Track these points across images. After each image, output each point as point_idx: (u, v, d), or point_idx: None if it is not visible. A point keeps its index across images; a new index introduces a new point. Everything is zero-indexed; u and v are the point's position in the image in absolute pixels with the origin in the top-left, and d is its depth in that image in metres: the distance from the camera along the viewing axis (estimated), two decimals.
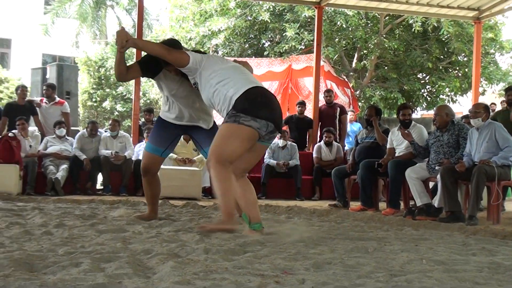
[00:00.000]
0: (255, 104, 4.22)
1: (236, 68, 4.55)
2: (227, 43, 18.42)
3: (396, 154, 7.79)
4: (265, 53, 17.93)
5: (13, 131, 9.57)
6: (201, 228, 4.28)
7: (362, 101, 19.10)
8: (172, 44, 4.66)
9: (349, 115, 12.77)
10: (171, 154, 8.75)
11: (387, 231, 5.06)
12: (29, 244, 3.43)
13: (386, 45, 17.68)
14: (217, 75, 4.38)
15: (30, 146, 9.65)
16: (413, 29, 17.03)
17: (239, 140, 4.18)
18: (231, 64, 4.59)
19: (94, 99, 22.49)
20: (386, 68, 19.26)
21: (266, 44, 18.57)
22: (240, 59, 4.72)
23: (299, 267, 2.88)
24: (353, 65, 19.30)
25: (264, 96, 4.34)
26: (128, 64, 4.93)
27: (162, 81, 4.95)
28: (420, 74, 19.91)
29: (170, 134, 5.13)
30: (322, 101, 12.26)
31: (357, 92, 18.56)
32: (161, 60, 4.64)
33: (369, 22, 18.31)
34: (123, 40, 4.47)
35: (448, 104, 18.82)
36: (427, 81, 19.70)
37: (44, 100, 10.87)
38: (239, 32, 18.25)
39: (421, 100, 19.93)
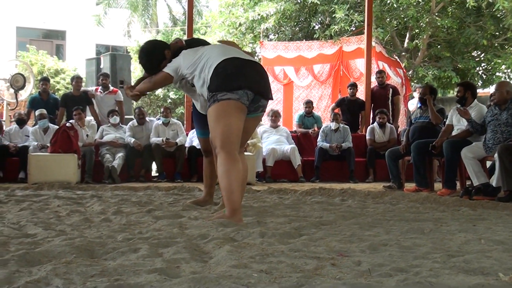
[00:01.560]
0: (226, 77, 4.04)
1: (213, 47, 4.46)
2: (277, 27, 18.35)
3: (453, 133, 7.64)
4: (315, 36, 17.79)
5: (71, 121, 9.79)
6: (208, 220, 4.05)
7: (415, 81, 18.79)
8: (190, 44, 4.69)
9: None
10: None
11: (443, 211, 5.00)
12: (89, 231, 3.51)
13: (439, 24, 17.31)
14: (197, 65, 4.27)
15: (87, 135, 9.85)
16: (466, 6, 16.61)
17: (227, 117, 3.99)
18: (206, 48, 4.43)
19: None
20: (439, 47, 18.86)
21: (316, 27, 18.42)
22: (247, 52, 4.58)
23: (355, 249, 2.88)
24: (405, 45, 18.97)
25: (235, 66, 4.10)
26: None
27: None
28: (475, 51, 19.43)
29: (206, 119, 5.16)
30: (374, 83, 12.14)
31: (410, 72, 18.26)
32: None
33: (420, 0, 17.95)
34: (129, 94, 4.70)
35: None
36: (482, 58, 19.22)
37: (99, 89, 11.07)
38: (289, 15, 18.14)
39: (476, 79, 19.46)
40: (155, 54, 4.56)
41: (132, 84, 4.99)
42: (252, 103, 4.15)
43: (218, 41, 4.89)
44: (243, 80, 4.04)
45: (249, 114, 4.21)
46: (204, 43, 4.80)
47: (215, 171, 5.11)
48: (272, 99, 4.50)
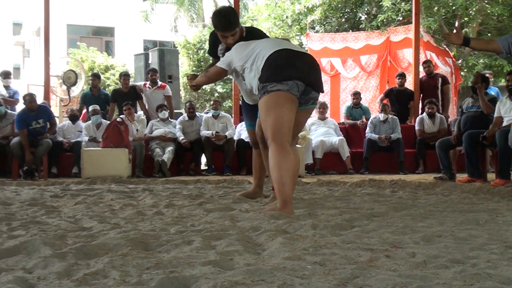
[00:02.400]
0: (276, 68, 4.02)
1: (264, 41, 4.44)
2: (323, 19, 18.25)
3: (504, 124, 7.48)
4: (361, 26, 17.63)
5: (121, 116, 9.94)
6: (259, 212, 3.99)
7: (465, 70, 18.46)
8: (250, 32, 4.83)
9: None
10: None
11: (498, 202, 4.90)
12: (142, 224, 3.56)
13: (489, 11, 16.96)
14: (248, 57, 4.29)
15: (137, 130, 9.99)
16: None
17: (278, 108, 3.96)
18: (258, 41, 4.45)
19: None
20: (489, 34, 18.48)
21: (363, 18, 18.25)
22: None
23: (408, 241, 2.85)
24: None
25: (285, 56, 4.08)
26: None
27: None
28: None
29: (255, 110, 5.06)
30: (422, 73, 11.98)
31: (459, 61, 17.95)
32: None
33: None
34: (190, 85, 5.01)
35: None
36: None
37: (148, 84, 11.20)
38: (335, 6, 18.02)
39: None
40: (235, 15, 4.74)
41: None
42: (303, 95, 4.11)
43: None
44: (293, 71, 4.01)
45: (300, 106, 4.16)
46: (261, 34, 4.89)
47: (264, 163, 5.15)
48: (323, 91, 4.47)
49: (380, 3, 16.68)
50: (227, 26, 4.64)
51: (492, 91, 12.21)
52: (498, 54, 5.68)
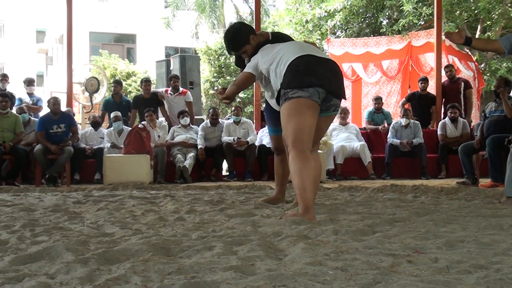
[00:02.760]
0: (297, 74, 4.04)
1: (289, 44, 4.44)
2: (344, 24, 18.22)
3: None
4: (382, 30, 17.57)
5: (143, 122, 9.99)
6: (280, 218, 3.97)
7: (488, 74, 18.30)
8: (276, 37, 4.82)
9: None
10: None
11: None
12: (164, 230, 3.57)
13: None
14: (273, 60, 4.31)
15: (159, 136, 10.03)
16: None
17: (299, 114, 3.98)
18: (283, 44, 4.46)
19: (215, 88, 23.00)
20: None
21: (384, 22, 18.18)
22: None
23: (431, 246, 2.83)
24: (476, 37, 18.50)
25: (307, 63, 4.09)
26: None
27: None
28: None
29: (278, 116, 5.08)
30: (444, 77, 11.90)
31: (482, 66, 17.80)
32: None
33: None
34: (221, 98, 4.84)
35: None
36: None
37: (169, 91, 11.25)
38: (356, 11, 17.98)
39: None
40: (240, 36, 4.74)
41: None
42: (324, 102, 4.11)
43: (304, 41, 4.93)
44: (314, 78, 4.01)
45: (321, 113, 4.17)
46: (287, 38, 4.89)
47: (287, 169, 5.09)
48: (345, 98, 4.48)
49: (401, 8, 16.61)
50: (232, 49, 4.83)
51: None
52: (500, 54, 5.62)
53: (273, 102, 5.01)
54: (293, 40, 4.88)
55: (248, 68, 4.55)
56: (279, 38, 4.82)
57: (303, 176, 3.86)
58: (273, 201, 5.26)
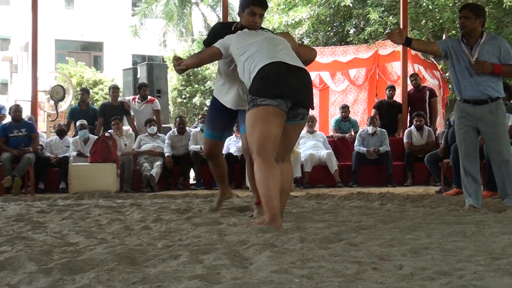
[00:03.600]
0: (267, 82, 3.99)
1: (264, 41, 4.30)
2: (311, 32, 18.33)
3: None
4: (349, 39, 17.73)
5: (109, 131, 9.92)
6: (246, 227, 3.93)
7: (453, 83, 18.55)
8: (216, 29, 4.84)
9: None
10: None
11: (485, 214, 4.91)
12: (129, 239, 3.55)
13: None
14: (245, 51, 4.23)
15: (125, 144, 9.97)
16: (503, 6, 16.34)
17: (265, 122, 3.94)
18: (261, 37, 4.34)
19: (183, 96, 22.93)
20: None
21: (351, 31, 18.34)
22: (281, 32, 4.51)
23: (396, 253, 2.85)
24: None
25: (278, 72, 4.01)
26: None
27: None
28: None
29: (224, 117, 5.00)
30: (410, 86, 12.04)
31: (447, 74, 18.02)
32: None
33: (456, 1, 17.74)
34: (176, 66, 4.67)
35: None
36: None
37: (137, 99, 11.19)
38: (323, 20, 18.11)
39: None
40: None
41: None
42: (291, 110, 4.08)
43: (276, 33, 4.75)
44: (284, 89, 3.98)
45: (289, 120, 4.14)
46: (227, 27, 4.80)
47: (223, 168, 5.33)
48: (313, 108, 4.45)
49: (368, 16, 16.78)
50: (264, 2, 4.65)
51: None
52: (437, 56, 5.72)
53: (227, 99, 4.87)
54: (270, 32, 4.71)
55: (219, 44, 4.43)
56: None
57: (269, 184, 3.84)
58: (222, 199, 5.49)
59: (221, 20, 11.64)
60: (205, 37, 5.00)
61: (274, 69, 4.03)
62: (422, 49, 5.76)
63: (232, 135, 10.13)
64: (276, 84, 3.98)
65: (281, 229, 3.75)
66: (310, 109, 4.32)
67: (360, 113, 14.44)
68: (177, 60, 4.71)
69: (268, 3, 4.59)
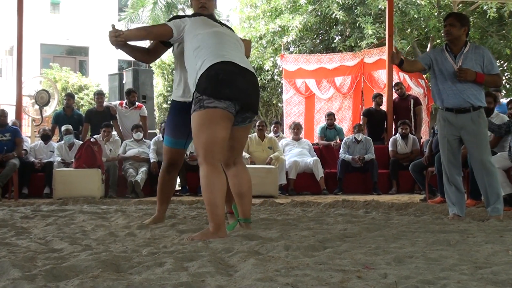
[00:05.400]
0: (216, 82, 3.83)
1: (215, 35, 4.14)
2: (298, 40, 18.38)
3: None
4: (334, 46, 17.80)
5: (95, 136, 9.88)
6: (190, 240, 3.72)
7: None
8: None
9: None
10: (244, 154, 8.84)
11: (469, 223, 4.94)
12: (114, 246, 3.53)
13: None
14: (196, 40, 4.07)
15: (110, 150, 9.93)
16: (488, 16, 16.49)
17: (212, 125, 3.80)
18: (213, 29, 4.19)
19: (169, 102, 22.85)
20: None
21: (337, 39, 18.42)
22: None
23: (380, 262, 2.86)
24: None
25: (228, 73, 3.87)
26: (148, 46, 4.80)
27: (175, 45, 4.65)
28: (498, 61, 19.27)
29: (187, 121, 4.32)
30: (395, 94, 12.11)
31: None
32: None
33: (441, 10, 17.88)
34: (113, 37, 4.24)
35: None
36: (505, 68, 19.06)
37: (124, 104, 11.16)
38: (309, 28, 18.17)
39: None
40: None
41: None
42: (239, 113, 3.98)
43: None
44: (233, 91, 3.86)
45: (238, 124, 4.06)
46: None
47: (174, 187, 5.06)
48: (257, 113, 4.34)
49: (357, 24, 16.84)
50: None
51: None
52: (423, 71, 5.79)
53: (180, 92, 4.69)
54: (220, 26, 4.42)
55: (172, 24, 4.23)
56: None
57: (215, 191, 3.76)
58: (157, 221, 4.91)
59: None
60: None
61: (224, 69, 3.88)
62: (410, 69, 5.82)
63: None
64: (225, 85, 3.84)
65: (225, 238, 3.66)
66: (255, 114, 4.22)
67: (346, 121, 14.49)
68: (115, 31, 4.25)
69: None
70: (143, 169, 9.81)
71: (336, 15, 16.79)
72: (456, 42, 5.45)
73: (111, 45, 4.33)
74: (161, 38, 4.40)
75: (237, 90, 3.88)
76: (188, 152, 10.05)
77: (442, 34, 17.29)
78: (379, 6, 16.41)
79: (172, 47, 4.70)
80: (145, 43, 5.07)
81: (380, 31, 16.41)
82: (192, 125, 3.93)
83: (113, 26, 4.31)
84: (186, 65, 4.19)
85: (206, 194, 3.80)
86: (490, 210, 5.39)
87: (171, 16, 4.49)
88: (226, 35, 4.23)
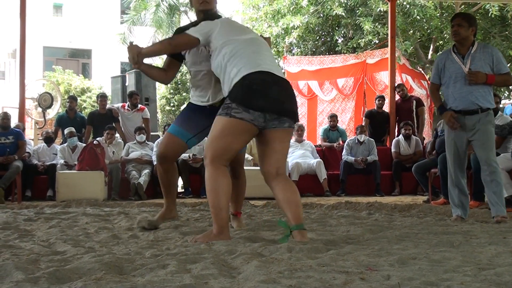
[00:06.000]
0: (249, 92, 3.69)
1: (252, 43, 3.99)
2: (300, 42, 18.39)
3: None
4: (337, 48, 17.80)
5: (98, 138, 9.89)
6: (194, 242, 3.70)
7: (440, 93, 18.65)
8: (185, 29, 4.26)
9: None
10: (247, 156, 8.83)
11: (472, 224, 4.94)
12: (117, 248, 3.53)
13: None
14: (230, 46, 3.90)
15: (113, 152, 9.94)
16: (490, 14, 16.45)
17: (231, 136, 3.72)
18: (248, 36, 4.04)
19: (172, 104, 22.91)
20: None
21: (339, 40, 18.43)
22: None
23: (383, 263, 2.86)
24: (429, 56, 18.89)
25: (262, 83, 3.73)
26: (162, 66, 4.58)
27: (188, 57, 4.40)
28: None
29: (201, 120, 4.44)
30: (398, 95, 12.11)
31: None
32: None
33: (444, 11, 17.88)
34: (135, 55, 4.07)
35: None
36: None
37: (126, 106, 11.17)
38: (312, 29, 18.18)
39: (502, 89, 19.27)
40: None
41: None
42: (275, 119, 3.76)
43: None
44: (266, 102, 3.71)
45: (275, 126, 3.79)
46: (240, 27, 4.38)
47: (174, 177, 4.83)
48: (298, 121, 4.16)
49: (359, 25, 16.85)
50: None
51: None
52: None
53: (198, 94, 4.47)
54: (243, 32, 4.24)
55: (195, 33, 3.99)
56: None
57: (220, 194, 3.70)
58: (166, 215, 4.83)
59: None
60: None
61: (259, 79, 3.75)
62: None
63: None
64: (258, 95, 3.70)
65: (229, 241, 3.60)
66: (295, 121, 3.99)
67: (348, 123, 14.49)
68: (135, 49, 4.07)
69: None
70: (146, 171, 9.82)
71: (336, 12, 16.78)
72: (464, 43, 5.41)
73: (129, 63, 4.17)
74: (186, 48, 4.23)
75: (270, 100, 3.72)
76: (191, 154, 10.05)
77: (445, 36, 17.32)
78: (379, 8, 16.41)
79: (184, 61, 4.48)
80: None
81: (379, 30, 16.42)
82: (213, 126, 3.82)
83: (131, 43, 4.15)
84: (215, 69, 4.01)
85: (210, 196, 3.74)
86: (494, 210, 5.34)
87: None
88: (261, 43, 4.10)
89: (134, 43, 4.14)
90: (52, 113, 13.28)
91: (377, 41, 17.23)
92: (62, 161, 9.67)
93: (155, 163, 9.80)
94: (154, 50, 4.28)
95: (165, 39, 4.24)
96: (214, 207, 3.73)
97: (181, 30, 4.35)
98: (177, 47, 4.15)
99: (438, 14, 17.33)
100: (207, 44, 4.05)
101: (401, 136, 10.78)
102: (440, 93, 5.77)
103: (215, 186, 3.72)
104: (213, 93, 4.38)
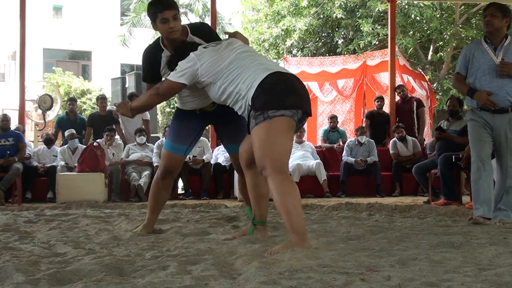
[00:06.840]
0: (276, 93, 3.49)
1: (241, 58, 3.77)
2: (300, 43, 18.41)
3: None
4: (338, 50, 17.81)
5: (98, 140, 9.90)
6: (269, 253, 3.25)
7: (440, 94, 18.68)
8: (198, 29, 4.22)
9: None
10: None
11: (472, 224, 4.93)
12: (117, 249, 3.53)
13: (463, 35, 17.23)
14: (222, 77, 3.71)
15: (113, 154, 9.94)
16: None
17: (280, 135, 3.45)
18: (232, 55, 3.78)
19: (172, 105, 22.89)
20: None
21: (340, 42, 18.44)
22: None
23: (384, 264, 2.85)
24: (429, 57, 18.91)
25: (284, 81, 3.57)
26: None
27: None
28: None
29: (191, 129, 4.37)
30: (398, 96, 12.11)
31: (434, 85, 18.16)
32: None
33: (443, 12, 17.90)
34: (127, 112, 4.12)
35: None
36: None
37: None
38: (312, 31, 18.19)
39: None
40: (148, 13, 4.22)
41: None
42: (299, 123, 3.64)
43: (228, 34, 4.19)
44: (296, 98, 3.54)
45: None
46: (212, 32, 4.33)
47: (168, 195, 4.70)
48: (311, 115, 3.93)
49: (359, 26, 16.87)
50: (170, 2, 4.10)
51: None
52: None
53: (189, 100, 4.31)
54: (217, 34, 4.30)
55: (179, 78, 3.80)
56: (202, 31, 4.25)
57: (292, 200, 3.37)
58: (147, 230, 4.55)
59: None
60: None
61: (279, 79, 3.57)
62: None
63: (220, 144, 10.12)
64: (286, 94, 3.52)
65: (311, 248, 3.29)
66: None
67: (347, 124, 14.49)
68: (123, 105, 4.18)
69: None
70: (146, 173, 9.82)
71: (337, 14, 16.80)
72: (496, 34, 5.06)
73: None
74: (174, 94, 4.10)
75: (298, 98, 3.58)
76: (191, 156, 10.05)
77: (450, 36, 17.30)
78: (378, 9, 16.42)
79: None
80: None
81: (379, 31, 16.44)
82: (256, 137, 3.51)
83: (115, 104, 4.15)
84: (215, 99, 3.87)
85: (282, 205, 3.38)
86: (503, 215, 5.05)
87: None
88: (247, 52, 3.89)
89: (119, 102, 4.19)
90: (52, 115, 13.28)
91: (377, 42, 17.24)
92: (62, 163, 9.67)
93: (155, 164, 9.88)
94: (142, 106, 4.15)
95: (151, 90, 4.08)
96: (288, 214, 3.38)
97: (148, 69, 4.36)
98: (164, 96, 4.04)
99: (438, 15, 17.34)
100: (194, 83, 3.87)
101: (395, 138, 10.81)
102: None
103: (285, 193, 3.40)
104: (202, 100, 4.26)
